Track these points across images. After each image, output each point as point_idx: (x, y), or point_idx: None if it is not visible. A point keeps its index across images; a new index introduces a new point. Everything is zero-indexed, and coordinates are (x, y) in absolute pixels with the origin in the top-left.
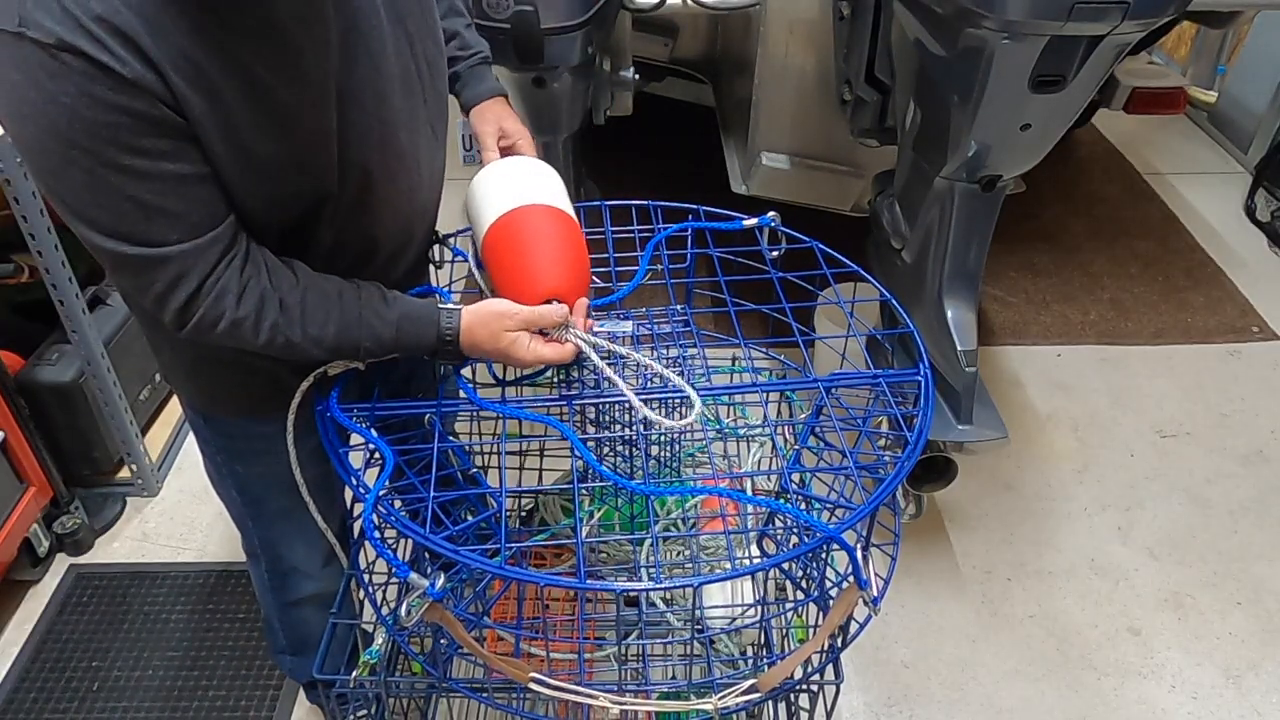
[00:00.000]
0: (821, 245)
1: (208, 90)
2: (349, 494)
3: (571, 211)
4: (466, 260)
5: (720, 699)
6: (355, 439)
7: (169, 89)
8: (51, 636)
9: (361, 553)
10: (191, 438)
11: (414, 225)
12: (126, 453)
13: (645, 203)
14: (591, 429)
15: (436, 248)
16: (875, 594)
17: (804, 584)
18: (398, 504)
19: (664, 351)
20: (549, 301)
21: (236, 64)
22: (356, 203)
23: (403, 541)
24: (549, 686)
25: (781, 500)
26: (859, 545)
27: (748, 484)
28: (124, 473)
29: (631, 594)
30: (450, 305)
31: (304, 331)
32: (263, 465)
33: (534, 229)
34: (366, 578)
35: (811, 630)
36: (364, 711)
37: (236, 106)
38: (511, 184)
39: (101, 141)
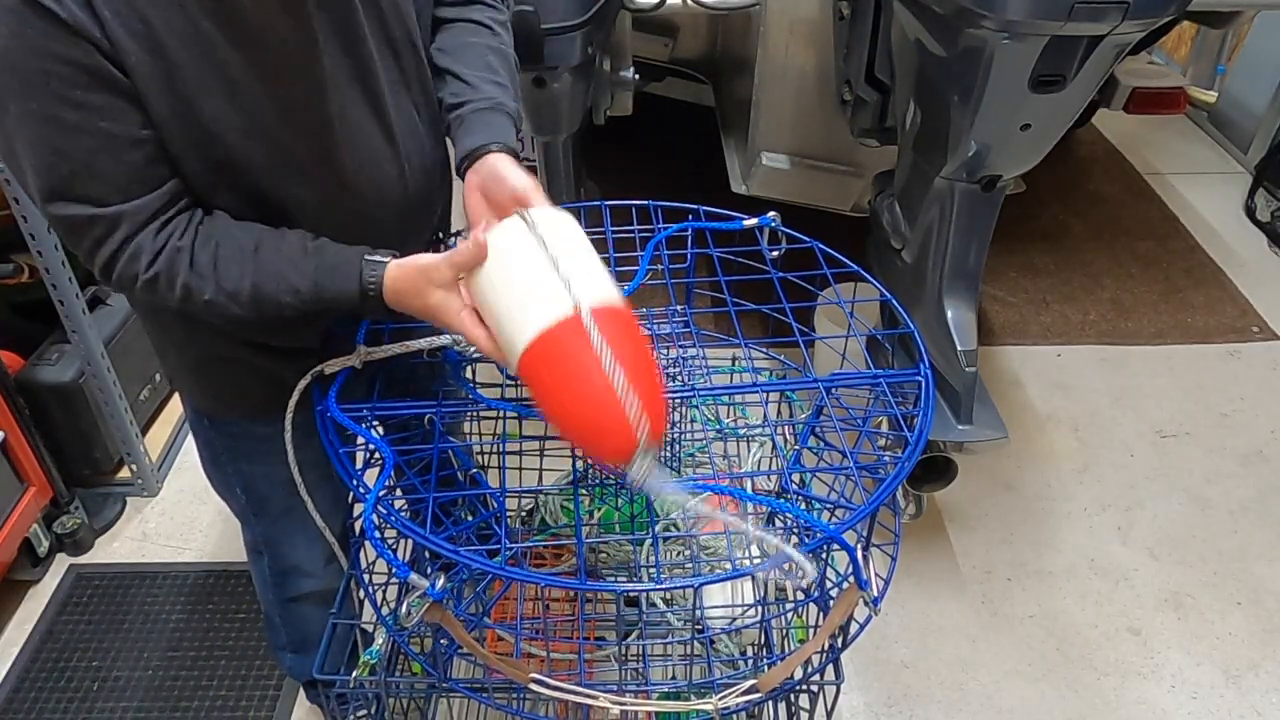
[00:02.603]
0: (821, 245)
1: (150, 42)
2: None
3: (618, 293)
4: None
5: (720, 699)
6: (358, 439)
7: (106, 36)
8: (51, 636)
9: (362, 552)
10: (192, 436)
11: (409, 220)
12: (126, 453)
13: (645, 203)
14: None
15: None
16: (875, 594)
17: (811, 572)
18: (399, 504)
19: (664, 351)
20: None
21: (184, 18)
22: (328, 188)
23: (403, 541)
24: (549, 687)
25: (782, 500)
26: (859, 545)
27: (748, 484)
28: (124, 473)
29: (632, 594)
30: (377, 257)
31: (218, 286)
32: (266, 464)
33: (606, 352)
34: (367, 578)
35: (812, 630)
36: (364, 711)
37: (182, 62)
38: (552, 271)
39: (34, 89)
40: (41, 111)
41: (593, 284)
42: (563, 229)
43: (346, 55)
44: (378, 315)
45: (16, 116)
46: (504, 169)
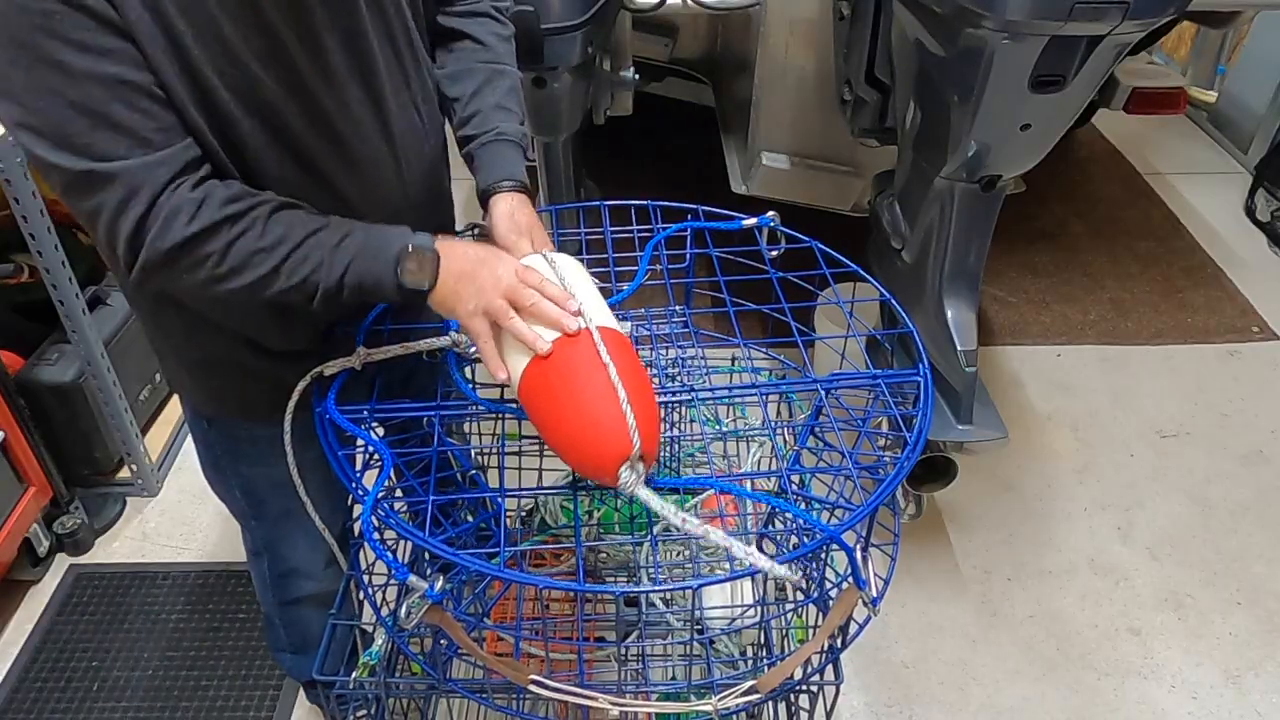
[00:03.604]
0: (821, 245)
1: (150, 1)
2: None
3: (620, 328)
4: None
5: (720, 699)
6: (358, 441)
7: None
8: (51, 636)
9: (361, 553)
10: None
11: (406, 221)
12: (126, 453)
13: (645, 203)
14: None
15: None
16: (875, 594)
17: (804, 584)
18: (398, 506)
19: (663, 352)
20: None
21: None
22: (330, 183)
23: (402, 543)
24: (548, 688)
25: (781, 499)
26: (858, 546)
27: (747, 485)
28: (124, 473)
29: (631, 595)
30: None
31: (264, 248)
32: (267, 466)
33: (612, 364)
34: (366, 579)
35: (811, 631)
36: (364, 712)
37: (183, 30)
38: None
39: (39, 34)
40: (48, 58)
41: (602, 314)
42: (576, 270)
43: (346, 49)
44: (413, 294)
45: (25, 68)
46: (498, 218)
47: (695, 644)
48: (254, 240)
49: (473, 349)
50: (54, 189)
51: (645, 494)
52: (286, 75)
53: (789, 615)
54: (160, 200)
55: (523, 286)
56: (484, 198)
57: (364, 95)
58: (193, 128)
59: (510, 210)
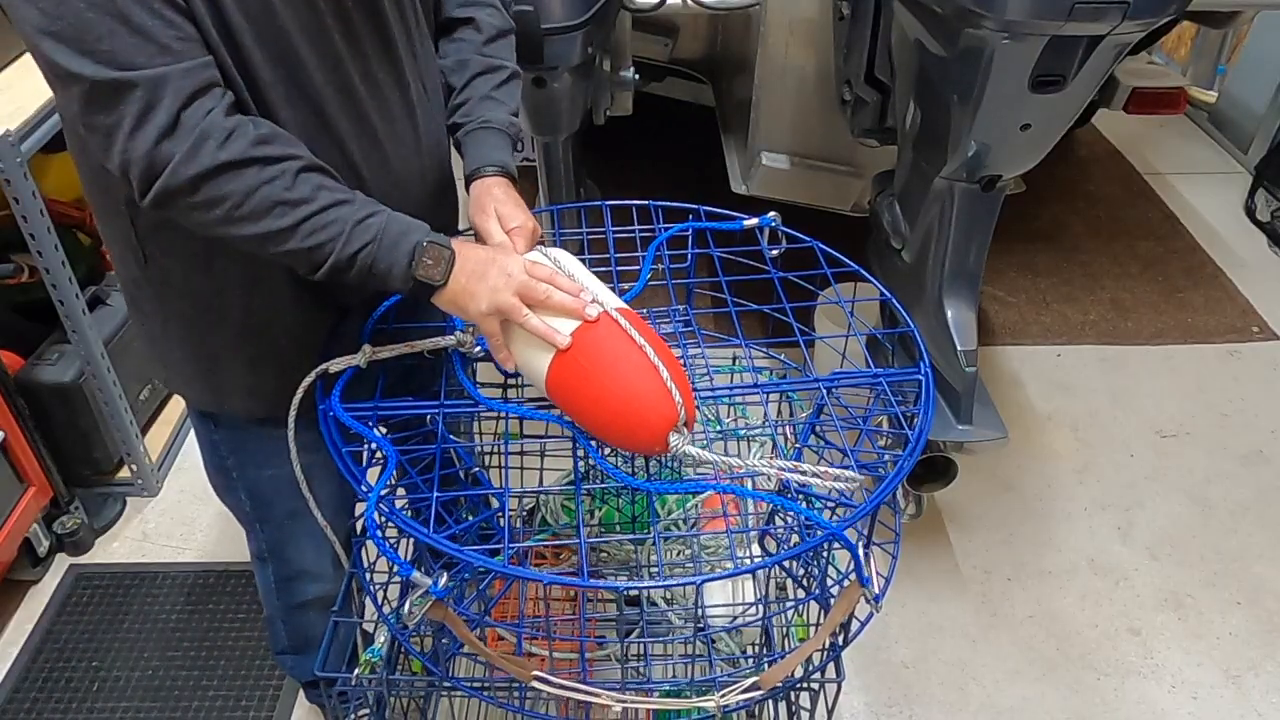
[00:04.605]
0: (822, 245)
1: None
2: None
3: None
4: None
5: (722, 697)
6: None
7: None
8: (51, 636)
9: (363, 551)
10: (192, 437)
11: (425, 199)
12: (126, 453)
13: (645, 203)
14: None
15: None
16: (877, 592)
17: (805, 582)
18: (400, 504)
19: None
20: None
21: None
22: (360, 148)
23: (404, 540)
24: (551, 685)
25: (784, 497)
26: (860, 544)
27: (748, 484)
28: (124, 473)
29: (633, 593)
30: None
31: (294, 196)
32: (273, 467)
33: (639, 336)
34: (368, 577)
35: (812, 629)
36: (364, 710)
37: None
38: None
39: None
40: None
41: (611, 297)
42: (572, 260)
43: (362, 9)
44: (435, 263)
45: None
46: (474, 210)
47: (697, 642)
48: (280, 190)
49: (477, 349)
50: (73, 108)
51: (695, 450)
52: (303, 11)
53: (790, 613)
54: (185, 115)
55: (535, 282)
56: (468, 185)
57: (379, 55)
58: (211, 47)
59: (477, 194)
